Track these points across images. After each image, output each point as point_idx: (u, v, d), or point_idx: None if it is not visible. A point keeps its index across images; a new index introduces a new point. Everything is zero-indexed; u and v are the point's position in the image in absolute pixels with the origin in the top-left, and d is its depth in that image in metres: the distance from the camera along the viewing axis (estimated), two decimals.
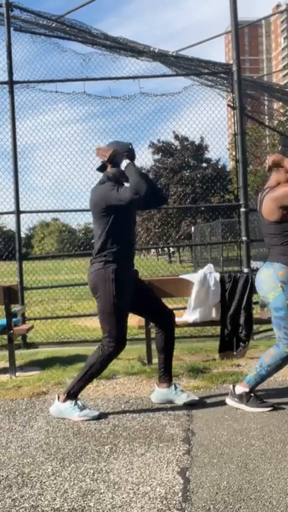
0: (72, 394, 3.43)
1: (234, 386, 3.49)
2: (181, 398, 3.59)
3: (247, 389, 3.43)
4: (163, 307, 3.68)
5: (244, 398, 3.42)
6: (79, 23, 6.45)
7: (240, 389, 3.45)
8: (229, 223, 19.08)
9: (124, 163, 3.37)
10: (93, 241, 3.57)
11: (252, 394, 3.43)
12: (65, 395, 3.43)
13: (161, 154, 34.08)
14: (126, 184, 3.36)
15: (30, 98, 6.27)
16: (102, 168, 3.59)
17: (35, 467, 2.67)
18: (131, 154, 3.49)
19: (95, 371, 3.44)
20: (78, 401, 3.43)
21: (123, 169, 3.37)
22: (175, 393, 3.60)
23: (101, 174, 3.58)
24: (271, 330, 5.79)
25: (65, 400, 3.42)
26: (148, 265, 8.39)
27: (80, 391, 3.49)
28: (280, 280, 3.26)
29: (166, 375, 3.65)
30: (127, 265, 3.48)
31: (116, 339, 3.36)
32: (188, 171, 32.44)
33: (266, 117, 8.89)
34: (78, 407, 3.39)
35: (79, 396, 3.49)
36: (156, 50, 6.59)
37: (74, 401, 3.41)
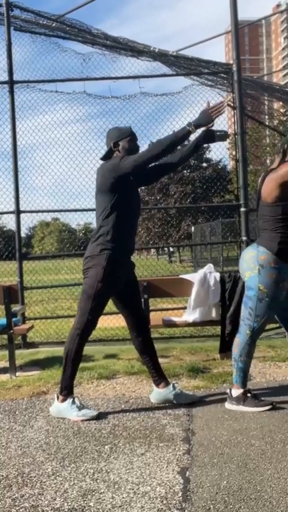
0: (65, 389, 3.42)
1: (230, 390, 3.51)
2: (181, 398, 3.59)
3: (241, 390, 3.44)
4: (141, 311, 3.69)
5: (241, 399, 3.43)
6: (79, 23, 6.45)
7: (235, 392, 3.47)
8: (229, 223, 19.09)
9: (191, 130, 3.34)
10: (91, 239, 3.57)
11: (249, 394, 3.43)
12: (60, 392, 3.43)
13: None
14: None
15: (30, 97, 6.27)
16: (106, 156, 3.59)
17: (35, 467, 2.67)
18: (134, 136, 3.55)
19: (72, 358, 3.43)
20: (77, 401, 3.43)
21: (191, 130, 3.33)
22: (174, 393, 3.59)
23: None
24: (271, 329, 5.81)
25: (63, 400, 3.42)
26: (148, 265, 8.40)
27: (71, 384, 3.46)
28: (259, 264, 3.31)
29: (159, 376, 3.64)
30: (123, 255, 3.48)
31: (88, 321, 3.40)
32: (189, 170, 32.44)
33: (266, 117, 8.88)
34: (77, 406, 3.39)
35: (78, 394, 3.48)
36: (156, 50, 6.58)
37: (72, 400, 3.40)
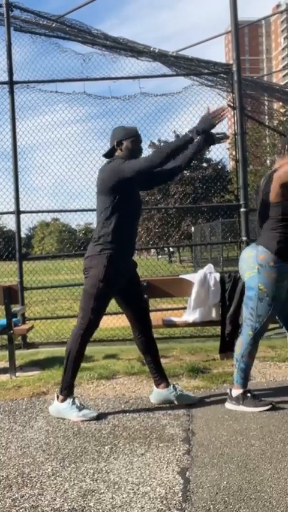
0: (65, 390, 3.42)
1: (230, 390, 3.51)
2: (181, 399, 3.59)
3: (241, 390, 3.44)
4: (144, 310, 3.68)
5: (240, 399, 3.43)
6: (79, 23, 6.45)
7: (235, 392, 3.47)
8: (229, 223, 19.09)
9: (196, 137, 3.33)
10: (91, 240, 3.57)
11: (248, 394, 3.44)
12: (60, 393, 3.43)
13: None
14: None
15: (30, 98, 6.27)
16: (108, 155, 3.59)
17: (35, 467, 2.67)
18: (138, 139, 3.53)
19: (74, 358, 3.42)
20: (77, 401, 3.43)
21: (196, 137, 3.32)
22: (174, 393, 3.59)
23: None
24: (271, 329, 5.81)
25: (63, 400, 3.42)
26: (148, 265, 8.40)
27: (72, 384, 3.46)
28: (258, 263, 3.31)
29: (160, 376, 3.63)
30: (124, 255, 3.47)
31: (90, 321, 3.39)
32: (189, 171, 32.43)
33: (266, 117, 8.89)
34: (77, 407, 3.38)
35: (78, 394, 3.49)
36: (156, 50, 6.59)
37: (72, 401, 3.40)
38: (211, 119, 3.36)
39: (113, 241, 3.39)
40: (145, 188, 3.77)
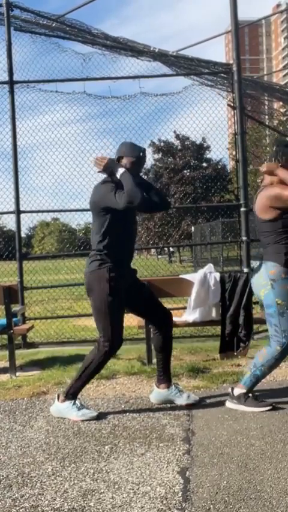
0: (71, 394, 3.43)
1: (232, 389, 3.50)
2: (181, 399, 3.59)
3: (244, 391, 3.44)
4: (161, 307, 3.66)
5: (242, 399, 3.43)
6: (79, 23, 6.45)
7: (238, 390, 3.46)
8: (229, 223, 19.09)
9: (120, 171, 3.32)
10: (88, 256, 3.55)
11: (250, 395, 3.44)
12: (65, 395, 3.43)
13: (161, 154, 34.06)
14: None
15: (30, 97, 6.28)
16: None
17: (35, 467, 2.67)
18: (140, 160, 3.49)
19: (91, 371, 3.43)
20: (77, 401, 3.43)
21: (118, 177, 3.32)
22: (175, 393, 3.60)
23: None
24: None
25: (64, 400, 3.42)
26: (148, 265, 8.39)
27: (79, 391, 3.49)
28: (270, 279, 3.28)
29: (165, 376, 3.64)
30: (123, 265, 3.48)
31: (111, 338, 3.36)
32: (189, 170, 32.42)
33: (266, 116, 8.89)
34: (77, 407, 3.39)
35: (79, 396, 3.49)
36: (156, 50, 6.59)
37: (73, 401, 3.41)
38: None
39: (111, 254, 3.39)
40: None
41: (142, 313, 3.72)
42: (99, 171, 3.47)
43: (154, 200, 3.45)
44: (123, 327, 3.44)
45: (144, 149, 3.53)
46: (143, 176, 4.32)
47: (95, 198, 3.44)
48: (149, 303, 3.64)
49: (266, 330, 5.84)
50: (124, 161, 3.46)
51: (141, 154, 3.49)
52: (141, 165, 3.54)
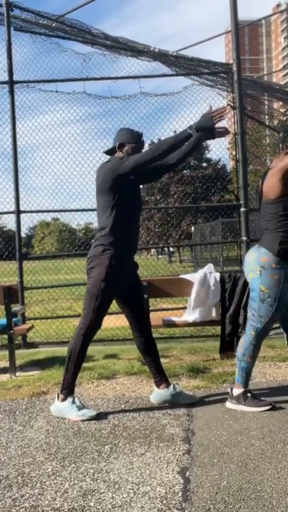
0: (66, 389, 3.42)
1: (231, 389, 3.51)
2: (181, 399, 3.59)
3: (242, 389, 3.44)
4: (145, 311, 3.69)
5: (241, 398, 3.43)
6: (79, 23, 6.45)
7: (236, 391, 3.47)
8: (229, 223, 19.10)
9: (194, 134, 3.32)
10: (92, 240, 3.56)
11: (248, 394, 3.44)
12: (61, 391, 3.44)
13: None
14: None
15: (30, 97, 6.28)
16: (110, 152, 3.60)
17: (35, 467, 2.67)
18: (139, 146, 3.53)
19: (76, 358, 3.42)
20: (77, 401, 3.43)
21: (193, 134, 3.31)
22: (175, 393, 3.60)
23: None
24: (272, 329, 5.80)
25: (63, 399, 3.42)
26: (148, 264, 8.39)
27: (73, 384, 3.46)
28: (260, 265, 3.31)
29: (161, 376, 3.64)
30: (125, 255, 3.48)
31: (92, 321, 3.39)
32: (189, 170, 32.43)
33: (266, 116, 8.89)
34: (77, 406, 3.39)
35: (78, 394, 3.49)
36: (156, 50, 6.59)
37: (72, 400, 3.41)
38: (211, 117, 3.36)
39: (114, 241, 3.39)
40: (143, 182, 3.78)
41: (129, 310, 3.66)
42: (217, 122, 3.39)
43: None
44: (105, 315, 3.47)
45: (142, 133, 3.60)
46: None
47: (103, 175, 3.41)
48: (139, 304, 3.65)
49: None
50: (126, 147, 3.50)
51: (140, 138, 3.55)
52: (141, 149, 3.56)
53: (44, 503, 2.28)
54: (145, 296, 4.53)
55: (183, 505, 2.21)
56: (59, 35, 6.50)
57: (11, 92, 6.05)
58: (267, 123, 8.85)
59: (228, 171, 30.87)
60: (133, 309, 3.62)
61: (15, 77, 6.10)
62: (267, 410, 3.37)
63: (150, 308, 5.05)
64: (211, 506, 2.19)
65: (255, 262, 3.34)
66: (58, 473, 2.58)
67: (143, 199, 3.90)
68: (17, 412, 3.58)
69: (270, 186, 3.28)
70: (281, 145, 3.40)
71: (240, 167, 6.06)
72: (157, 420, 3.31)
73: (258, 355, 3.54)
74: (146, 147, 3.61)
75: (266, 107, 8.66)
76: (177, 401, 3.58)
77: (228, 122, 6.63)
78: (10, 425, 3.32)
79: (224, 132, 3.49)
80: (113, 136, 3.65)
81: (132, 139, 3.51)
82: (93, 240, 3.52)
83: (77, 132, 6.59)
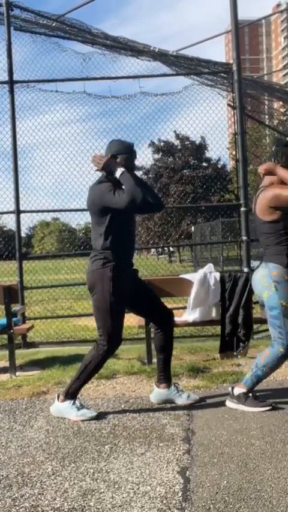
0: (70, 394, 3.43)
1: (232, 389, 3.50)
2: (182, 399, 3.59)
3: (244, 390, 3.44)
4: (162, 307, 3.66)
5: (242, 398, 3.43)
6: (79, 23, 6.45)
7: (238, 390, 3.46)
8: (229, 223, 19.09)
9: (119, 171, 3.31)
10: (90, 256, 3.55)
11: (250, 395, 3.44)
12: (64, 395, 3.43)
13: (161, 153, 34.06)
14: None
15: (30, 97, 6.27)
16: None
17: (35, 467, 2.67)
18: (131, 156, 3.49)
19: (90, 371, 3.43)
20: (77, 401, 3.43)
21: (117, 177, 3.31)
22: (175, 393, 3.60)
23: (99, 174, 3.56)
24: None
25: (64, 400, 3.42)
26: (148, 264, 8.39)
27: (78, 391, 3.48)
28: (274, 280, 3.27)
29: (165, 376, 3.64)
30: (126, 264, 3.48)
31: (111, 337, 3.36)
32: (189, 170, 32.41)
33: (266, 116, 8.89)
34: (76, 406, 3.39)
35: (78, 396, 3.49)
36: (156, 50, 6.58)
37: (72, 401, 3.41)
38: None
39: (114, 253, 3.38)
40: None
41: (144, 312, 3.71)
42: (97, 170, 3.47)
43: (150, 201, 3.39)
44: (122, 327, 3.44)
45: (133, 144, 3.58)
46: (143, 176, 4.32)
47: (93, 198, 3.42)
48: (151, 302, 3.64)
49: (266, 330, 5.86)
50: (119, 159, 3.47)
51: (132, 149, 3.53)
52: (134, 159, 3.55)
53: (44, 503, 2.28)
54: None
55: (183, 505, 2.21)
56: (59, 34, 6.50)
57: (11, 91, 6.05)
58: (267, 123, 8.85)
59: (228, 170, 30.86)
60: (148, 309, 3.63)
61: (15, 77, 6.10)
62: (268, 410, 3.36)
63: None
64: (211, 505, 2.19)
65: (267, 279, 3.30)
66: (58, 473, 2.58)
67: None
68: (17, 412, 3.58)
69: (263, 209, 3.29)
70: (273, 159, 3.38)
71: (240, 167, 6.06)
72: (157, 420, 3.31)
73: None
74: (146, 147, 3.60)
75: (266, 107, 8.65)
76: (178, 401, 3.58)
77: (228, 122, 6.64)
78: (10, 425, 3.32)
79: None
80: (113, 136, 3.65)
81: (124, 150, 3.48)
82: (90, 256, 3.50)
83: (77, 131, 6.59)
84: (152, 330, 3.69)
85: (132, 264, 3.61)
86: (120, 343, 3.44)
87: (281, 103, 9.58)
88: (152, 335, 3.70)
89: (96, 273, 3.39)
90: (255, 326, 5.28)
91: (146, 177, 30.50)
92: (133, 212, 3.50)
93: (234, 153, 6.48)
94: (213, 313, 4.77)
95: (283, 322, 3.26)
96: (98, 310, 3.40)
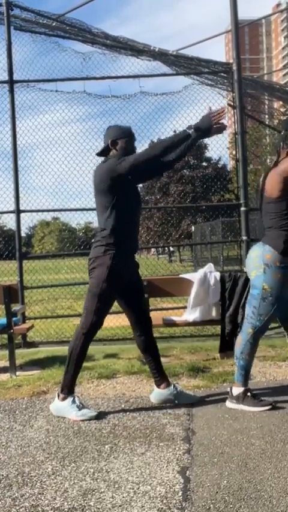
0: (66, 388, 3.42)
1: (231, 389, 3.51)
2: (181, 398, 3.59)
3: (241, 388, 3.44)
4: (145, 311, 3.70)
5: (241, 398, 3.43)
6: (79, 22, 6.45)
7: (236, 390, 3.47)
8: (229, 223, 19.09)
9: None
10: (93, 240, 3.56)
11: (249, 394, 3.44)
12: (61, 392, 3.44)
13: None
14: None
15: (30, 97, 6.27)
16: (103, 153, 3.60)
17: (35, 467, 2.67)
18: (131, 139, 3.55)
19: (76, 358, 3.42)
20: (77, 400, 3.43)
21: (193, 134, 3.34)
22: (175, 393, 3.59)
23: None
24: (271, 329, 5.81)
25: (63, 399, 3.42)
26: (148, 264, 8.38)
27: (73, 384, 3.46)
28: (264, 263, 3.29)
29: (161, 376, 3.63)
30: (127, 255, 3.49)
31: (93, 321, 3.41)
32: (189, 170, 32.41)
33: (266, 116, 8.88)
34: (77, 406, 3.39)
35: (78, 394, 3.49)
36: (157, 49, 6.58)
37: (72, 400, 3.41)
38: (210, 118, 3.37)
39: (115, 241, 3.40)
40: (141, 182, 3.80)
41: (127, 308, 3.67)
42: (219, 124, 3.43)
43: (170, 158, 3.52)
44: (106, 314, 3.48)
45: (130, 127, 3.63)
46: None
47: (101, 175, 3.41)
48: (139, 302, 3.65)
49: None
50: (120, 143, 3.50)
51: (131, 131, 3.58)
52: (134, 142, 3.59)
53: (44, 503, 2.28)
54: (145, 295, 4.53)
55: (184, 505, 2.21)
56: (59, 34, 6.50)
57: (11, 91, 6.05)
58: (267, 123, 8.85)
59: (228, 170, 30.86)
60: (134, 308, 3.62)
61: (15, 76, 6.10)
62: (267, 410, 3.37)
63: (151, 307, 5.04)
64: (211, 505, 2.19)
65: (259, 260, 3.33)
66: (58, 473, 2.58)
67: (142, 199, 3.91)
68: (17, 412, 3.58)
69: (273, 184, 3.28)
70: (281, 143, 3.39)
71: (240, 167, 6.06)
72: (157, 420, 3.31)
73: (258, 354, 3.54)
74: (145, 146, 3.61)
75: (266, 107, 8.65)
76: (177, 401, 3.58)
77: (228, 122, 6.64)
78: (10, 425, 3.33)
79: (221, 128, 3.49)
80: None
81: (123, 134, 3.52)
82: (93, 240, 3.53)
83: (77, 131, 6.60)
84: (134, 334, 3.69)
85: (134, 255, 3.61)
86: (99, 327, 3.47)
87: (281, 103, 9.56)
88: (136, 339, 3.70)
89: (97, 260, 3.42)
90: None
91: None
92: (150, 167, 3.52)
93: (234, 152, 6.48)
94: (213, 313, 4.77)
95: (259, 304, 3.34)
96: (89, 291, 3.45)
